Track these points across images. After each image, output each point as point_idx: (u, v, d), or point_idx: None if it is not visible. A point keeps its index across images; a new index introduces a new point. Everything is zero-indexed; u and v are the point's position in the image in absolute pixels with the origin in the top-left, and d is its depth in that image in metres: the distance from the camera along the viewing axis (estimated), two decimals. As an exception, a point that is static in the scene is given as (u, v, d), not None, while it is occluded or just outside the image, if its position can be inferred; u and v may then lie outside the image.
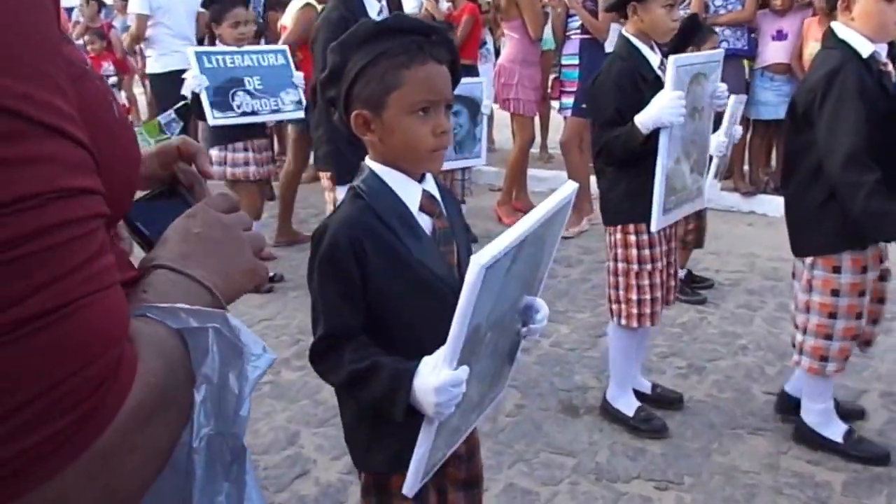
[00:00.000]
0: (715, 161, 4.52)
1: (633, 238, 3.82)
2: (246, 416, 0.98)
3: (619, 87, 3.66)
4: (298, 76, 6.19)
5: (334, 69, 1.96)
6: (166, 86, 7.35)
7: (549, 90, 8.55)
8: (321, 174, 5.52)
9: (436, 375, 1.70)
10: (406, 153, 1.95)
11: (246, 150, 6.00)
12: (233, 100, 5.85)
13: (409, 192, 1.99)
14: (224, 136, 5.92)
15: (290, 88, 6.15)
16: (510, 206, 7.97)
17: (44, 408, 0.76)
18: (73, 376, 0.78)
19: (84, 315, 0.78)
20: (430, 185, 2.03)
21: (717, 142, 4.46)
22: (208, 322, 0.94)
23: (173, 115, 6.47)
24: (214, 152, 5.95)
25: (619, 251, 3.86)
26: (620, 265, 3.87)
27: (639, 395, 4.22)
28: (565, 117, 7.54)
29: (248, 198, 6.01)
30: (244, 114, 5.87)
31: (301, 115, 6.24)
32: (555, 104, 8.56)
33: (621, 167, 3.74)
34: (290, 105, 6.16)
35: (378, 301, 1.94)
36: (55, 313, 0.76)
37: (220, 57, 5.88)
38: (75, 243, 0.79)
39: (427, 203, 2.00)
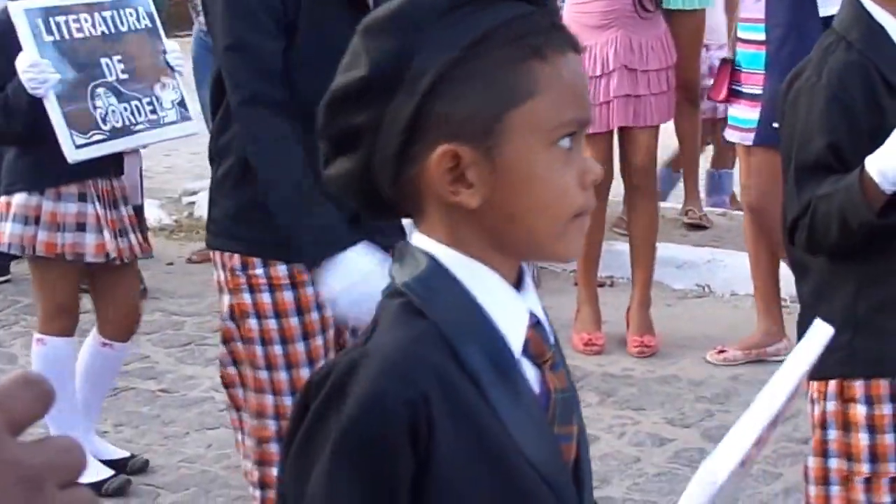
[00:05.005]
0: None
1: (861, 412, 2.14)
2: None
3: (840, 102, 2.13)
4: (173, 48, 3.60)
5: (383, 68, 1.08)
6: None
7: (693, 86, 5.10)
8: (214, 253, 2.50)
9: None
10: (534, 224, 1.11)
11: (83, 198, 3.44)
12: (94, 105, 3.35)
13: (509, 313, 1.12)
14: (41, 169, 3.38)
15: (165, 77, 3.57)
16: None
17: None
18: None
19: None
20: (534, 300, 1.17)
21: None
22: None
23: None
24: (19, 198, 3.40)
25: (835, 436, 2.18)
26: (835, 464, 2.17)
27: None
28: (746, 147, 4.27)
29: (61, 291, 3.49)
30: (115, 133, 3.38)
31: (193, 128, 3.67)
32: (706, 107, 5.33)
33: (842, 260, 2.16)
34: (169, 109, 3.54)
35: None
36: None
37: (65, 18, 3.32)
38: None
39: (536, 339, 1.14)
